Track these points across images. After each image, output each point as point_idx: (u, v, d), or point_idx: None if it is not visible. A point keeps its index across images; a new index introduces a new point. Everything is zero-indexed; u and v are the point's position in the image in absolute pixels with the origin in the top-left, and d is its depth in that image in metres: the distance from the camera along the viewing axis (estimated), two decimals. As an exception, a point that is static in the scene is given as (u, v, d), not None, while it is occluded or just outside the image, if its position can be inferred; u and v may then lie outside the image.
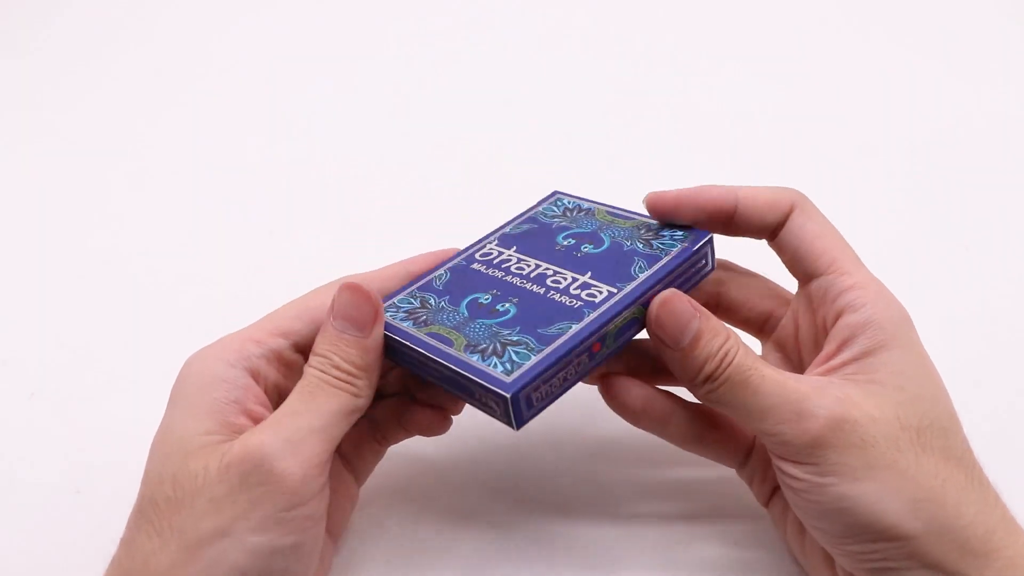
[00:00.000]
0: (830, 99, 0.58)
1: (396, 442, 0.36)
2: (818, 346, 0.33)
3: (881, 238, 0.51)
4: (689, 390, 0.32)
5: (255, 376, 0.31)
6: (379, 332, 0.31)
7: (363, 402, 0.31)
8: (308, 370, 0.30)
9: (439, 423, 0.35)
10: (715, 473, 0.39)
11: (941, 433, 0.29)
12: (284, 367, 0.32)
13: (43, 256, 0.50)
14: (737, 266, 0.38)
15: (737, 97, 0.59)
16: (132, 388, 0.44)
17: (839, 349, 0.31)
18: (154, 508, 0.28)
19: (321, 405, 0.29)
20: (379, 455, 0.36)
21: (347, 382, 0.30)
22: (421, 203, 0.53)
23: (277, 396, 0.32)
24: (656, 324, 0.32)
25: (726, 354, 0.31)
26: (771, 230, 0.34)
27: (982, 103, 0.58)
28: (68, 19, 0.63)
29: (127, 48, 0.62)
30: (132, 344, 0.46)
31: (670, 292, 0.32)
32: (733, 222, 0.34)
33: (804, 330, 0.34)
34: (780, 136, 0.56)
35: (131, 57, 0.61)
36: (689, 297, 0.32)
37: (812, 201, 0.34)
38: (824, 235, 0.33)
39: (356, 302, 0.31)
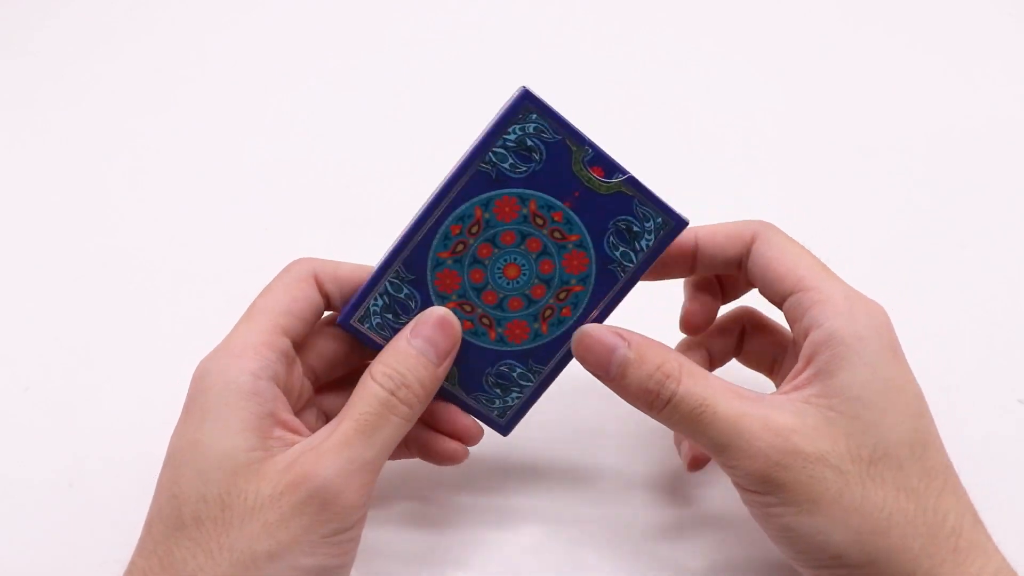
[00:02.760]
0: (829, 99, 0.58)
1: (397, 458, 0.36)
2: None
3: (881, 238, 0.50)
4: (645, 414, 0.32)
5: (278, 382, 0.31)
6: (449, 364, 0.32)
7: (409, 427, 0.31)
8: (374, 386, 0.30)
9: (460, 453, 0.35)
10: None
11: (894, 464, 0.29)
12: (288, 363, 0.33)
13: (39, 251, 0.50)
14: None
15: (736, 98, 0.59)
16: (126, 384, 0.44)
17: (805, 366, 0.31)
18: (198, 527, 0.28)
19: (378, 436, 0.30)
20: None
21: (408, 404, 0.31)
22: (418, 202, 0.53)
23: (285, 394, 0.32)
24: (582, 361, 0.33)
25: (662, 381, 0.30)
26: (736, 263, 0.34)
27: (982, 103, 0.58)
28: (67, 18, 0.63)
29: (125, 46, 0.62)
30: (127, 340, 0.46)
31: (585, 327, 0.32)
32: (697, 261, 0.35)
33: (792, 351, 0.35)
34: (779, 136, 0.56)
35: (129, 56, 0.61)
36: (611, 327, 0.32)
37: (776, 227, 0.34)
38: (785, 257, 0.33)
39: (444, 333, 0.32)
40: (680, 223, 0.33)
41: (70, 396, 0.43)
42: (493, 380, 0.34)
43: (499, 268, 0.33)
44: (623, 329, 0.32)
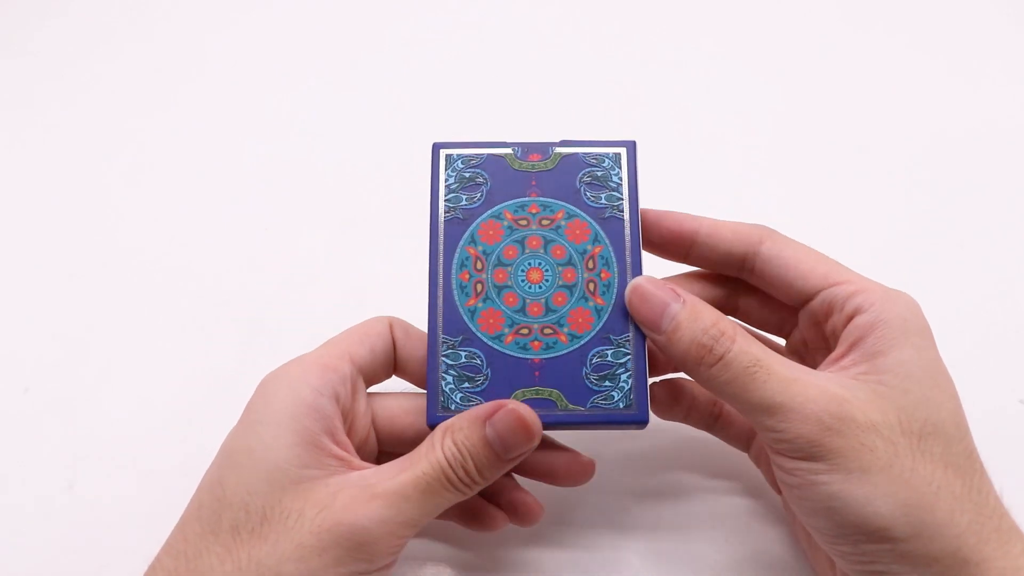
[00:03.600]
0: (830, 99, 0.58)
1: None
2: (825, 356, 0.33)
3: (880, 238, 0.50)
4: (691, 376, 0.32)
5: (337, 401, 0.31)
6: (518, 460, 0.31)
7: (462, 499, 0.31)
8: (436, 456, 0.30)
9: (500, 522, 0.35)
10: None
11: (943, 439, 0.29)
12: (352, 390, 0.33)
13: (39, 251, 0.50)
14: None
15: (736, 98, 0.59)
16: (126, 384, 0.44)
17: (849, 349, 0.31)
18: (233, 534, 0.28)
19: (427, 502, 0.30)
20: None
21: (466, 486, 0.30)
22: (418, 202, 0.53)
23: (345, 420, 0.32)
24: (634, 314, 0.32)
25: (715, 339, 0.30)
26: (737, 262, 0.34)
27: (982, 104, 0.58)
28: (67, 18, 0.63)
29: (125, 46, 0.62)
30: (127, 340, 0.46)
31: (639, 279, 0.32)
32: (693, 250, 0.35)
33: (812, 342, 0.35)
34: (780, 137, 0.56)
35: (129, 56, 0.61)
36: (666, 281, 0.32)
37: (781, 233, 0.34)
38: (805, 257, 0.33)
39: (519, 433, 0.30)
40: (626, 143, 0.35)
41: (70, 397, 0.43)
42: (596, 377, 0.33)
43: (523, 281, 0.33)
44: (677, 287, 0.32)
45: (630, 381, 0.33)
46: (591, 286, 0.33)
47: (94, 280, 0.49)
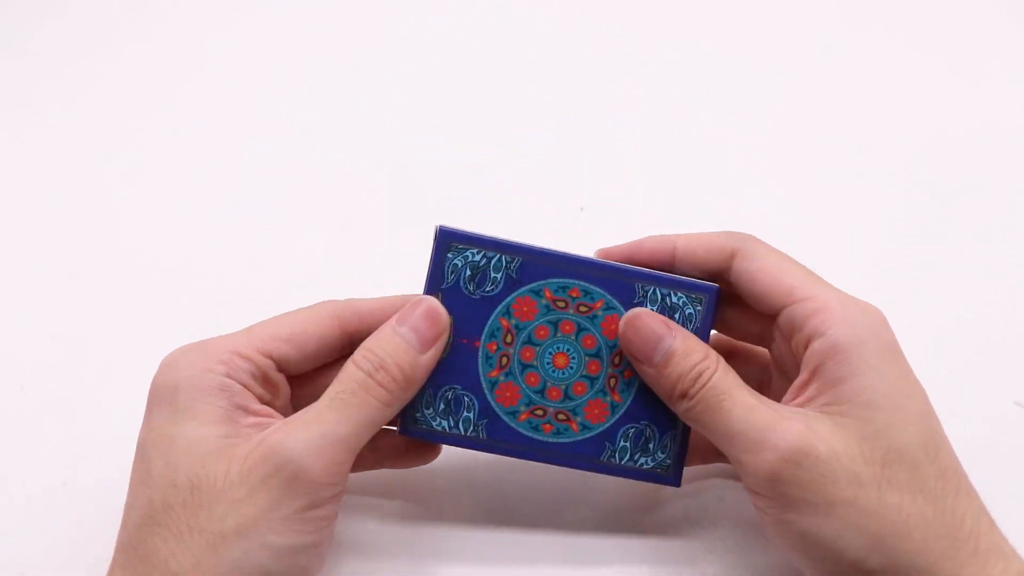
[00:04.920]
0: (829, 100, 0.58)
1: (361, 470, 0.36)
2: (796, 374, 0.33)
3: (879, 239, 0.50)
4: (669, 406, 0.33)
5: (246, 385, 0.31)
6: (434, 355, 0.32)
7: (390, 414, 0.31)
8: (351, 367, 0.30)
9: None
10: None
11: (908, 465, 0.29)
12: (270, 386, 0.32)
13: (38, 251, 0.50)
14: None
15: (735, 99, 0.59)
16: (124, 383, 0.44)
17: (811, 378, 0.31)
18: (168, 513, 0.28)
19: (351, 413, 0.29)
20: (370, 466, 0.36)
21: (386, 387, 0.30)
22: (417, 201, 0.53)
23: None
24: (624, 342, 0.32)
25: (700, 374, 0.31)
26: (715, 274, 0.34)
27: (982, 105, 0.58)
28: (67, 18, 0.63)
29: (125, 46, 0.62)
30: (125, 339, 0.46)
31: (637, 311, 0.32)
32: (675, 268, 0.34)
33: (787, 358, 0.34)
34: (779, 137, 0.56)
35: (129, 56, 0.61)
36: (659, 315, 0.32)
37: (756, 238, 0.34)
38: (771, 270, 0.32)
39: (430, 321, 0.31)
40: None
41: (69, 397, 0.43)
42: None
43: (548, 364, 0.33)
44: (668, 320, 0.32)
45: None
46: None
47: (94, 280, 0.49)
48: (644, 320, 0.32)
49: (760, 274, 0.32)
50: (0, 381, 0.44)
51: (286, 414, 0.32)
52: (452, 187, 0.53)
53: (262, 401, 0.32)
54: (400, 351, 0.31)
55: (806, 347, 0.31)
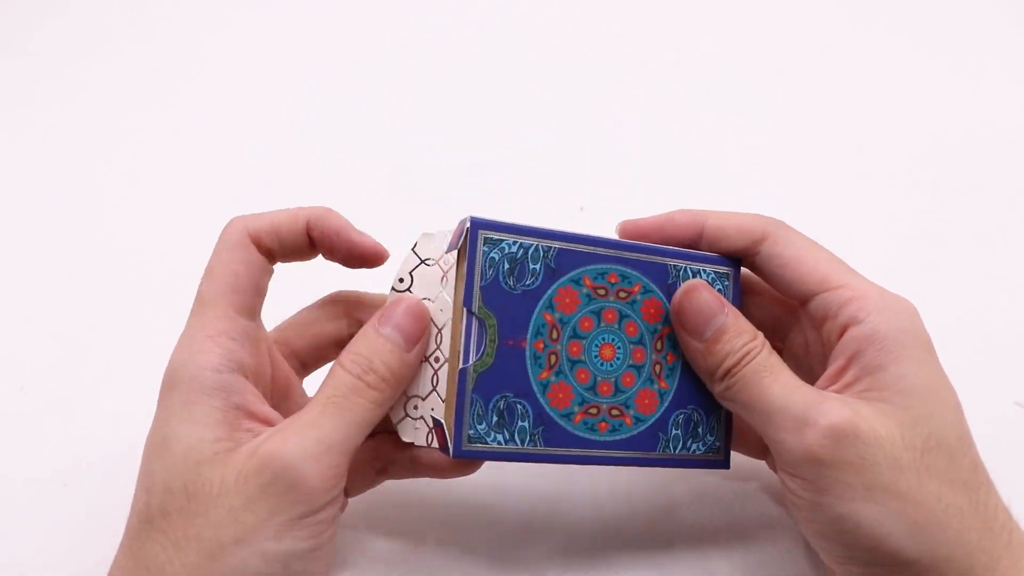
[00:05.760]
0: (830, 100, 0.58)
1: (396, 477, 0.35)
2: (826, 361, 0.32)
3: (879, 239, 0.50)
4: (707, 384, 0.32)
5: (244, 372, 0.31)
6: (420, 351, 0.31)
7: (382, 414, 0.31)
8: (339, 371, 0.30)
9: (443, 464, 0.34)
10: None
11: (946, 455, 0.28)
12: (253, 344, 0.32)
13: (38, 251, 0.50)
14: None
15: (736, 98, 0.59)
16: (124, 383, 0.44)
17: (848, 364, 0.30)
18: (165, 519, 0.28)
19: (344, 417, 0.29)
20: (373, 482, 0.35)
21: (376, 389, 0.30)
22: (417, 201, 0.53)
23: (255, 379, 0.31)
24: (679, 313, 0.32)
25: (747, 353, 0.30)
26: (738, 255, 0.34)
27: (982, 104, 0.58)
28: (67, 18, 0.63)
29: (125, 46, 0.62)
30: (125, 339, 0.46)
31: (696, 282, 0.32)
32: (698, 245, 0.34)
33: (812, 346, 0.34)
34: (780, 137, 0.56)
35: (129, 56, 0.61)
36: (715, 290, 0.32)
37: (788, 225, 0.34)
38: (805, 257, 0.32)
39: (413, 319, 0.31)
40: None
41: (69, 397, 0.43)
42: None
43: (596, 357, 0.32)
44: (722, 296, 0.32)
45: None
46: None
47: (94, 280, 0.49)
48: (702, 293, 0.32)
49: (793, 260, 0.32)
50: (0, 381, 0.44)
51: (273, 371, 0.33)
52: (452, 187, 0.53)
53: (254, 368, 0.31)
54: (386, 351, 0.30)
55: (840, 335, 0.31)
